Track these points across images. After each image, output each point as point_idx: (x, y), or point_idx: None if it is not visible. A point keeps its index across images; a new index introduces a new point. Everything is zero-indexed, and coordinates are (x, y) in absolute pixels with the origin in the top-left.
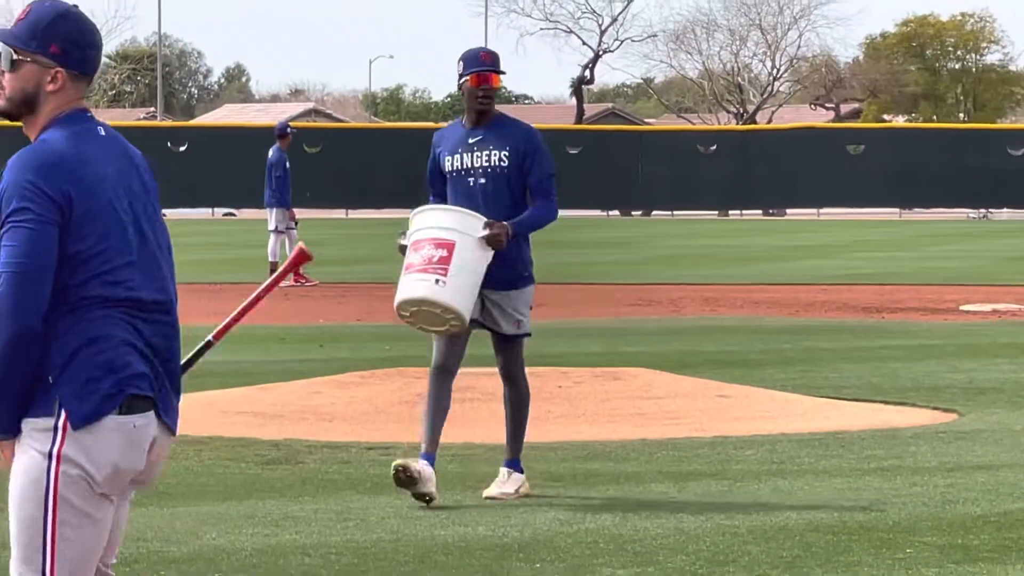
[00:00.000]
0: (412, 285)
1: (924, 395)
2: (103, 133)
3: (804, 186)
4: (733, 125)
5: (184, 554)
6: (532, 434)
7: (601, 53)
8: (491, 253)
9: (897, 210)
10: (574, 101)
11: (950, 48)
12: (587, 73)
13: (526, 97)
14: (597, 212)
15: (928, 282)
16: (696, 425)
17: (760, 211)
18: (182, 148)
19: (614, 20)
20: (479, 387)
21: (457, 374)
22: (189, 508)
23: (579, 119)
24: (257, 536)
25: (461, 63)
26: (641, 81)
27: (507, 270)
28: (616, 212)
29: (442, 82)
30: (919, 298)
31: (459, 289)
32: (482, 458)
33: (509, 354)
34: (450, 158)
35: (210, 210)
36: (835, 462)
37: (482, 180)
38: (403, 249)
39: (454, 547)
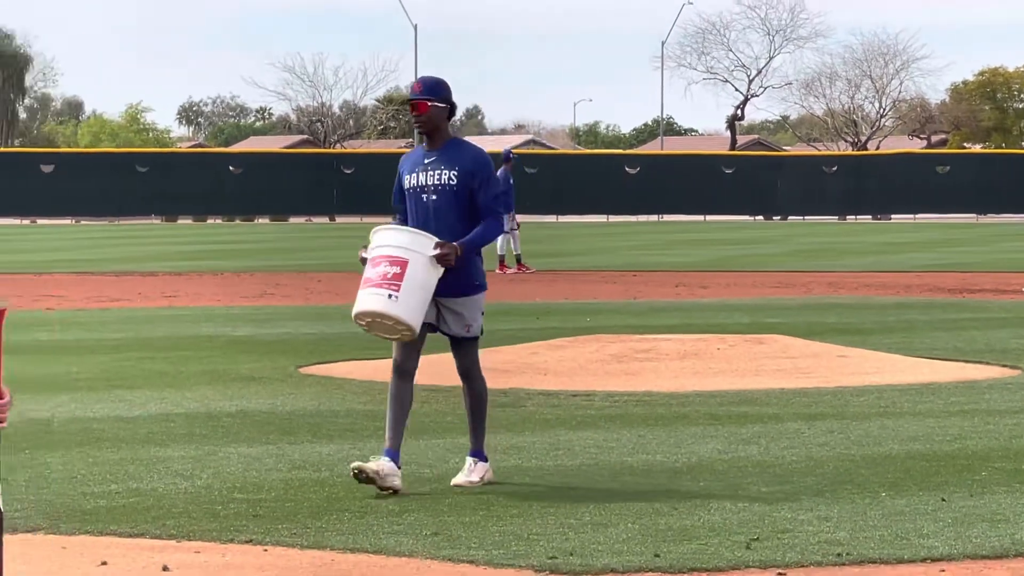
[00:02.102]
0: (368, 299)
1: (995, 356)
2: None
3: (903, 197)
4: (849, 151)
5: (434, 475)
6: (697, 384)
7: (749, 97)
8: (441, 270)
9: (975, 215)
10: (728, 133)
11: (1016, 91)
12: (739, 112)
13: (692, 130)
14: (746, 217)
15: (999, 270)
16: (822, 378)
17: (870, 216)
18: None
19: (759, 72)
20: (660, 349)
21: (415, 374)
22: (438, 440)
23: (732, 147)
24: (490, 460)
25: (417, 84)
26: (779, 118)
27: (459, 280)
28: (760, 217)
29: (629, 119)
30: (992, 282)
31: (409, 303)
32: (660, 403)
33: (463, 354)
34: (409, 176)
35: None
36: (927, 406)
37: (433, 196)
38: (364, 261)
39: (638, 469)
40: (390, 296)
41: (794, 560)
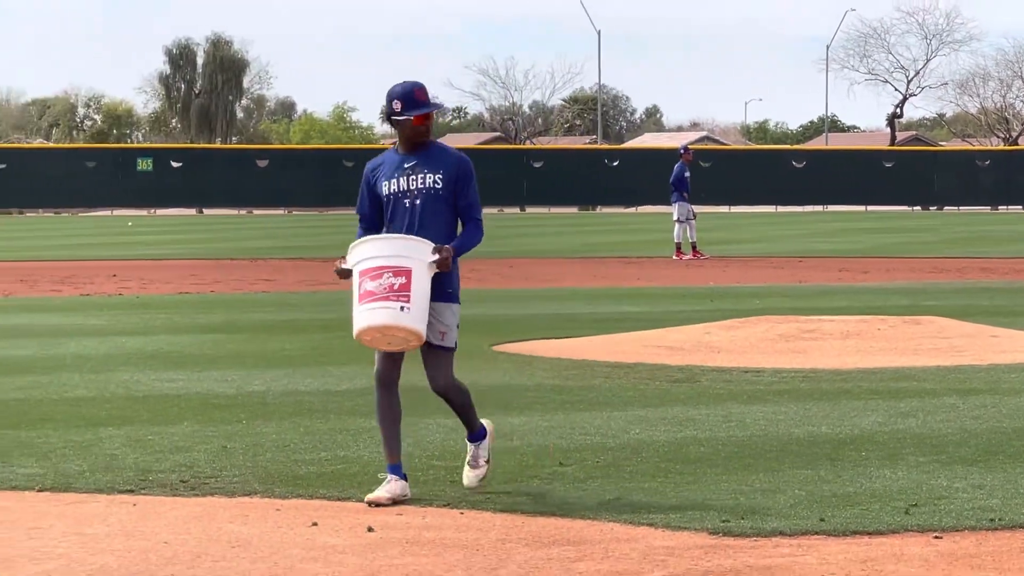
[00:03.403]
0: (377, 314)
1: None
2: None
3: None
4: (1001, 146)
5: (616, 444)
6: (859, 362)
7: (908, 96)
8: (433, 273)
9: None
10: (888, 130)
11: None
12: (898, 110)
13: (854, 127)
14: (904, 208)
15: None
16: (975, 356)
17: (1020, 206)
18: (615, 163)
19: (917, 73)
20: (823, 329)
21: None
22: (620, 413)
23: (892, 143)
24: (668, 432)
25: (398, 102)
26: (936, 116)
27: (438, 286)
28: (918, 207)
29: (796, 116)
30: None
31: (420, 312)
32: (825, 379)
33: (435, 366)
34: (387, 182)
35: (634, 207)
36: None
37: (417, 201)
38: (342, 273)
39: (804, 440)
40: (402, 308)
41: (950, 525)
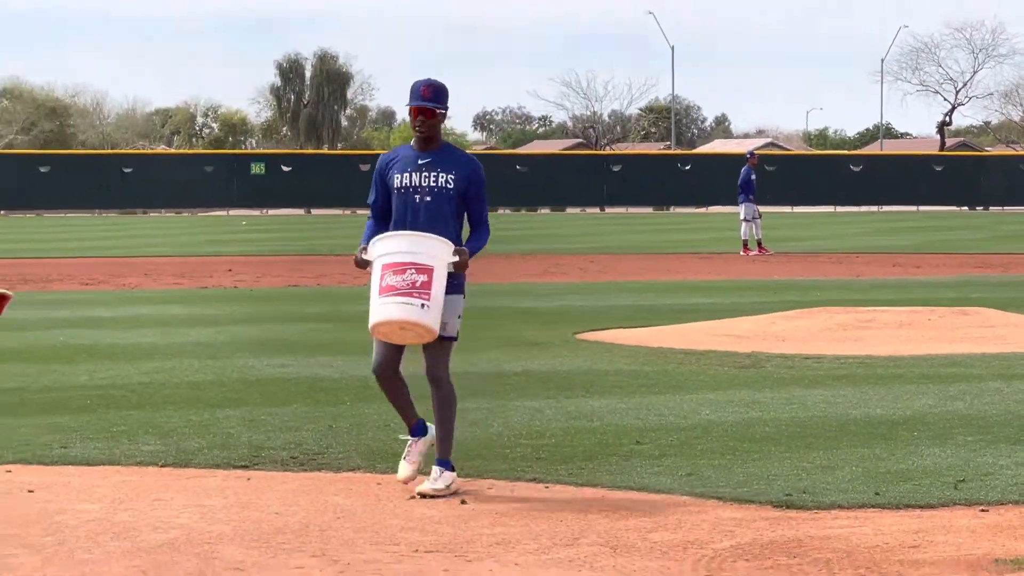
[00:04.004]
0: (400, 308)
1: None
2: None
3: None
4: None
5: (687, 424)
6: (911, 349)
7: (956, 105)
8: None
9: None
10: (938, 136)
11: None
12: (947, 118)
13: (907, 134)
14: (953, 208)
15: None
16: (1018, 344)
17: None
18: (687, 167)
19: (964, 84)
20: (877, 319)
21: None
22: (692, 396)
23: (941, 148)
24: (735, 413)
25: (410, 91)
26: (982, 123)
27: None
28: (965, 208)
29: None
30: None
31: (437, 310)
32: (879, 365)
33: (433, 355)
34: (399, 175)
35: (704, 207)
36: None
37: (428, 198)
38: (361, 263)
39: (861, 421)
40: (423, 306)
41: (995, 499)
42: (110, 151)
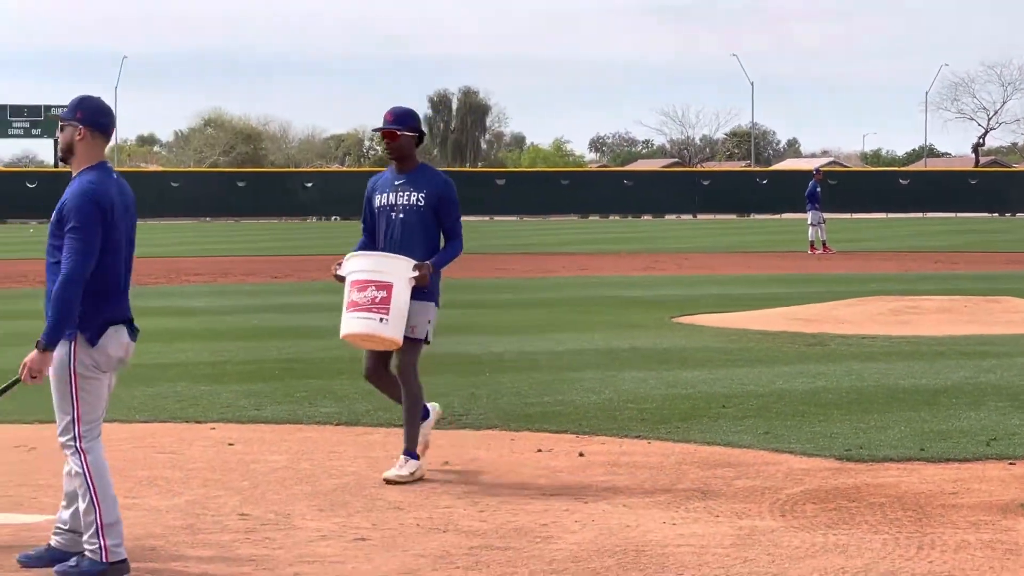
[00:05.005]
0: (360, 322)
1: None
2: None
3: None
4: None
5: (764, 392)
6: (951, 331)
7: (988, 130)
8: (412, 286)
9: None
10: (973, 155)
11: None
12: (981, 140)
13: (947, 153)
14: (985, 214)
15: None
16: None
17: None
18: (764, 182)
19: (995, 112)
20: (922, 306)
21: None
22: (768, 368)
23: (976, 165)
24: (804, 383)
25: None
26: (1011, 144)
27: (416, 289)
28: (996, 214)
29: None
30: None
31: (397, 321)
32: (924, 344)
33: (402, 354)
34: (379, 196)
35: (778, 214)
36: None
37: (402, 215)
38: (338, 278)
39: (908, 390)
40: (381, 320)
41: (1021, 454)
42: (294, 169)
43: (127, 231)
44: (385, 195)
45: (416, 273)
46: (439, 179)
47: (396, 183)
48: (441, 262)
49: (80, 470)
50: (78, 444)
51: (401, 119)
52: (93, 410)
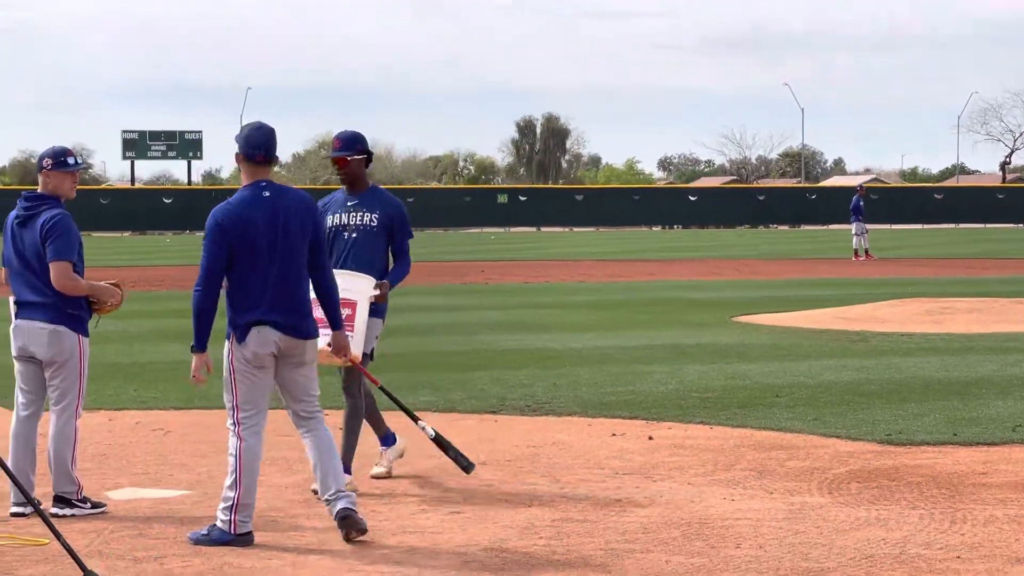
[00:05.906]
0: (326, 339)
1: None
2: (267, 194)
3: None
4: None
5: (813, 383)
6: (981, 329)
7: (1014, 149)
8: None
9: None
10: (1000, 173)
11: None
12: (1007, 159)
13: (977, 171)
14: (1011, 224)
15: None
16: None
17: None
18: (813, 197)
19: (1021, 134)
20: (955, 307)
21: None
22: (816, 362)
23: (1003, 181)
24: (848, 375)
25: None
26: None
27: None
28: (1022, 225)
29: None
30: None
31: (359, 337)
32: (956, 340)
33: (349, 370)
34: (332, 216)
35: (825, 225)
36: None
37: (355, 235)
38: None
39: (942, 381)
40: (347, 337)
41: None
42: (397, 186)
43: (273, 241)
44: (338, 215)
45: (377, 292)
46: (393, 201)
47: (348, 204)
48: (396, 279)
49: (233, 452)
50: (237, 429)
51: (348, 144)
52: (250, 400)
